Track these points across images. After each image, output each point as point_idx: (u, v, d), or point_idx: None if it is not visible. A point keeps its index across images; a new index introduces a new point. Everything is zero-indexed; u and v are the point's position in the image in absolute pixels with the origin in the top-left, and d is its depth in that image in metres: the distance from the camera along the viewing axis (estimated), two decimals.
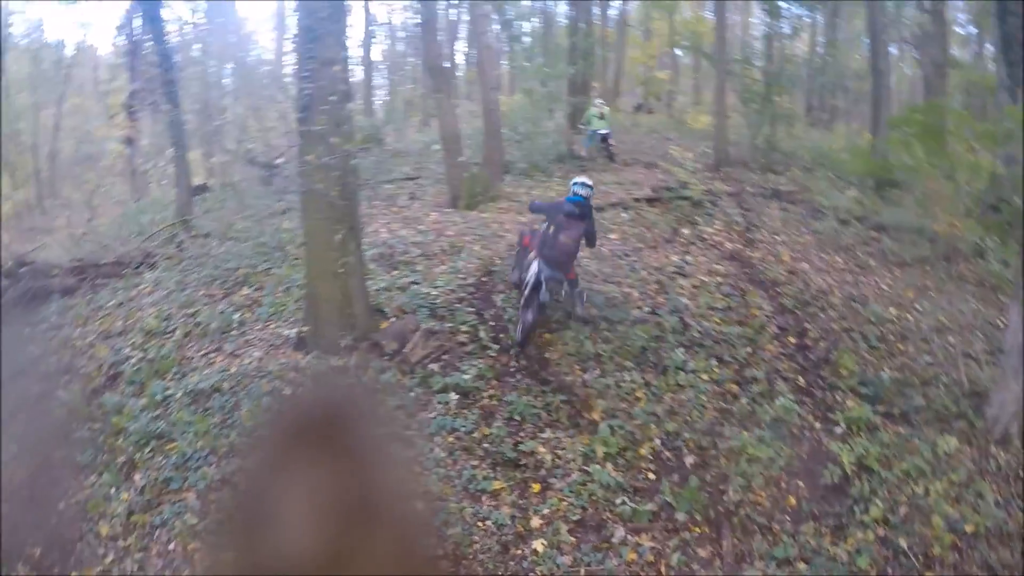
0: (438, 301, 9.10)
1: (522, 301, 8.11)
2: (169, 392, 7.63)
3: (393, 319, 8.63)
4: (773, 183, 14.97)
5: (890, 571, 5.68)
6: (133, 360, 8.52)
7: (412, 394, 7.37)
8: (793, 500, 6.34)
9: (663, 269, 10.25)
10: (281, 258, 11.16)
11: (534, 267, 8.00)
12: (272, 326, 8.93)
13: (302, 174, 8.11)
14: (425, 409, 7.20)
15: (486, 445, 6.71)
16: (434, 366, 7.75)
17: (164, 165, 20.16)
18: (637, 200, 13.22)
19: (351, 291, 8.06)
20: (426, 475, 6.14)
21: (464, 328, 8.50)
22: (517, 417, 7.08)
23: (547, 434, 6.88)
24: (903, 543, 5.81)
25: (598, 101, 18.25)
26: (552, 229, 8.07)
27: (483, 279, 10.01)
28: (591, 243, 8.58)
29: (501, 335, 8.40)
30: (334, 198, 7.76)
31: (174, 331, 9.08)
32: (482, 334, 8.36)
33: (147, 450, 6.93)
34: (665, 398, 7.37)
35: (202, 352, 8.60)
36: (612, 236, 11.50)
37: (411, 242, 11.35)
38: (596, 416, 7.08)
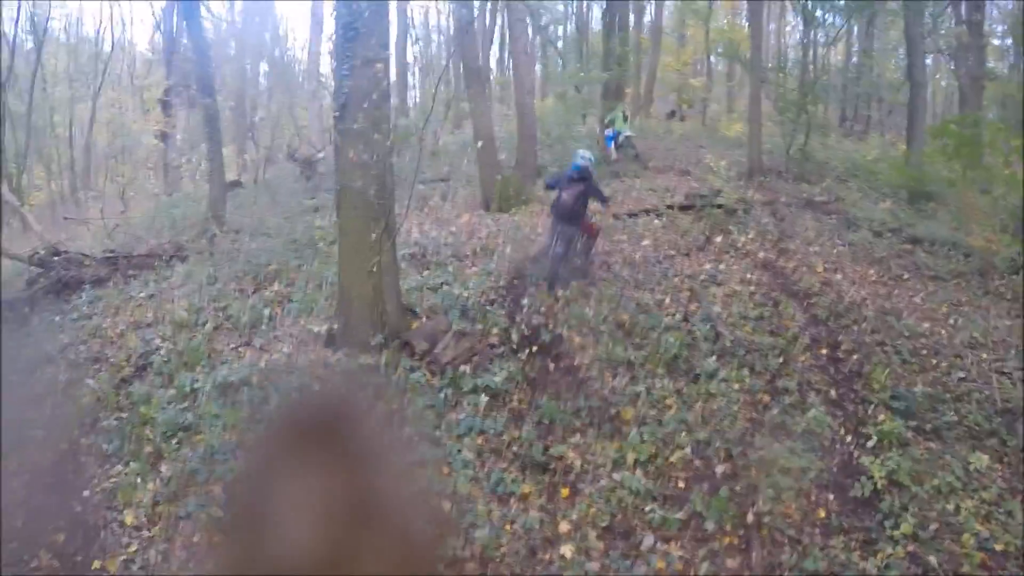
0: (469, 302, 9.07)
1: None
2: (198, 384, 7.59)
3: (424, 319, 8.61)
4: (807, 193, 14.85)
5: None
6: (162, 351, 8.51)
7: (442, 394, 7.30)
8: (823, 513, 6.16)
9: (696, 276, 10.15)
10: (312, 254, 11.16)
11: (550, 223, 9.84)
12: (302, 322, 8.91)
13: (339, 171, 8.09)
14: (454, 410, 7.16)
15: (515, 448, 6.64)
16: (464, 367, 7.69)
17: (197, 160, 20.35)
18: (670, 207, 13.11)
19: (383, 290, 8.01)
20: (454, 476, 6.14)
21: (495, 330, 8.46)
22: (547, 421, 7.00)
23: (576, 439, 6.79)
24: (933, 560, 5.63)
25: (621, 105, 18.48)
26: (559, 193, 9.65)
27: (515, 282, 9.99)
28: (601, 201, 10.29)
29: (532, 338, 8.33)
30: (370, 196, 7.72)
31: (204, 324, 9.07)
32: (513, 336, 8.29)
33: (174, 441, 6.91)
34: (696, 406, 7.24)
35: (232, 345, 8.60)
36: (645, 242, 11.44)
37: (443, 243, 11.34)
38: (626, 422, 6.98)
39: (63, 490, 6.68)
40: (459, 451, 6.46)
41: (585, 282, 9.71)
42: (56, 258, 12.09)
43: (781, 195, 14.39)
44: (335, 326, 8.26)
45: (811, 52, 20.04)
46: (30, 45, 26.50)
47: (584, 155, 10.00)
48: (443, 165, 16.74)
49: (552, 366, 7.97)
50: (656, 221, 12.51)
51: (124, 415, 7.45)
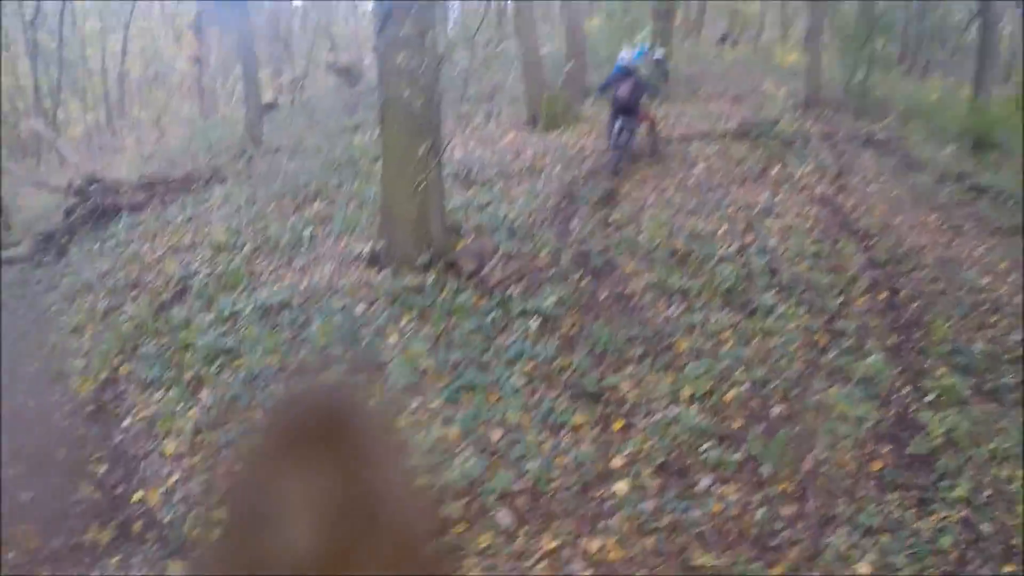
0: (517, 223, 8.71)
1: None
2: (238, 307, 7.31)
3: (470, 239, 8.27)
4: (866, 130, 13.91)
5: (971, 555, 5.24)
6: (201, 275, 8.25)
7: (489, 317, 6.96)
8: (879, 465, 5.70)
9: (751, 207, 9.63)
10: (353, 173, 10.82)
11: (611, 118, 10.81)
12: (344, 242, 8.59)
13: (383, 82, 7.67)
14: (503, 334, 6.77)
15: (566, 376, 6.25)
16: (513, 290, 7.35)
17: (232, 83, 20.08)
18: (724, 134, 12.57)
19: (429, 208, 7.66)
20: (503, 403, 5.81)
21: (544, 252, 8.11)
22: (599, 349, 6.60)
23: (630, 369, 6.38)
24: (985, 528, 5.26)
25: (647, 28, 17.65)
26: (615, 90, 10.57)
27: (563, 203, 9.58)
28: (652, 92, 11.45)
29: (583, 262, 8.00)
30: (416, 108, 7.32)
31: (243, 246, 8.79)
32: (563, 260, 7.96)
33: (215, 366, 6.63)
34: (753, 342, 6.80)
35: (271, 267, 8.30)
36: (698, 168, 10.98)
37: (488, 162, 10.96)
38: (681, 354, 6.59)
39: (103, 420, 6.52)
40: (508, 377, 6.12)
41: (653, 159, 11.18)
42: (93, 187, 11.92)
43: (839, 129, 13.54)
44: (378, 246, 7.93)
45: None
46: None
47: (623, 55, 11.10)
48: (486, 82, 16.21)
49: (604, 292, 7.59)
50: (709, 147, 11.96)
51: (164, 341, 7.20)
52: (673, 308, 7.34)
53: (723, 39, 25.41)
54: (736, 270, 7.89)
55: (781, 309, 7.36)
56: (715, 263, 8.01)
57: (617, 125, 10.60)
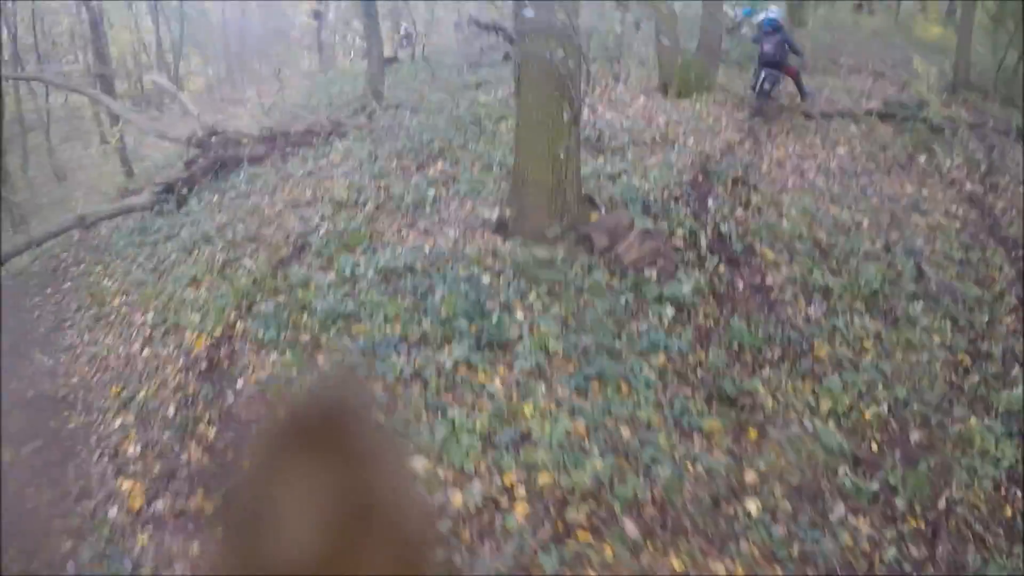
0: (651, 197, 8.18)
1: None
2: (358, 269, 7.01)
3: (603, 211, 7.76)
4: (1018, 122, 12.43)
5: None
6: (321, 231, 7.97)
7: (623, 300, 6.44)
8: (1008, 511, 5.07)
9: (897, 200, 8.99)
10: (477, 133, 10.42)
11: (757, 69, 11.71)
12: (469, 205, 8.20)
13: (522, 37, 7.23)
14: (636, 319, 6.29)
15: (701, 373, 5.80)
16: (650, 271, 6.83)
17: (352, 38, 20.05)
18: (868, 112, 11.85)
19: (565, 176, 7.19)
20: (634, 397, 5.39)
21: (680, 232, 7.60)
22: (736, 346, 6.14)
23: (766, 372, 5.92)
24: None
25: None
26: (761, 45, 11.53)
27: (699, 178, 9.01)
28: (796, 51, 11.76)
29: (721, 247, 7.49)
30: (558, 68, 6.87)
31: (365, 203, 8.47)
32: (702, 242, 7.42)
33: (333, 330, 6.30)
34: (896, 355, 6.27)
35: (394, 227, 7.97)
36: (840, 150, 10.35)
37: (618, 127, 10.42)
38: (820, 361, 6.11)
39: (217, 379, 6.23)
40: (641, 370, 5.64)
41: (807, 103, 12.05)
42: (214, 138, 11.87)
43: (988, 119, 12.38)
44: (507, 212, 7.52)
45: None
46: None
47: (773, 9, 12.29)
48: (612, 41, 15.43)
49: (741, 282, 7.08)
50: (852, 127, 11.26)
51: (281, 299, 6.87)
52: (814, 308, 6.81)
53: (859, 6, 23.91)
54: (881, 271, 7.31)
55: (925, 321, 6.78)
56: (859, 260, 7.47)
57: (762, 75, 11.48)
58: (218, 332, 6.74)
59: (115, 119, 17.12)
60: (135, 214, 10.92)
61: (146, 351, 7.01)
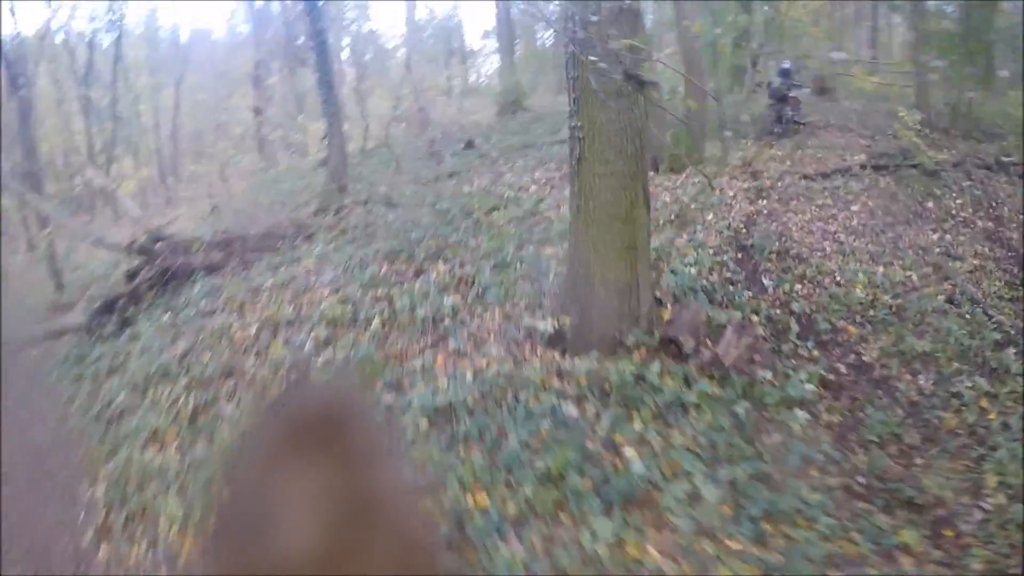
0: (703, 282, 6.68)
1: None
2: (391, 413, 4.78)
3: (668, 306, 5.96)
4: (993, 154, 11.46)
5: None
6: (321, 360, 5.77)
7: (740, 411, 4.87)
8: None
9: (928, 249, 8.19)
10: (471, 226, 8.49)
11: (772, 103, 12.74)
12: (498, 314, 6.17)
13: (583, 111, 5.37)
14: (764, 432, 4.82)
15: (861, 479, 4.54)
16: (762, 372, 5.36)
17: (291, 134, 17.97)
18: (863, 167, 10.63)
19: (638, 272, 5.38)
20: (815, 528, 3.92)
21: (756, 318, 6.28)
22: (875, 438, 5.03)
23: (919, 460, 4.84)
24: None
25: None
26: (771, 86, 13.03)
27: (739, 255, 7.58)
28: (798, 87, 13.05)
29: (809, 330, 6.28)
30: (626, 145, 5.12)
31: (369, 321, 6.30)
32: (793, 328, 6.23)
33: None
34: (1018, 412, 5.35)
35: (415, 349, 5.82)
36: (854, 207, 9.21)
37: None
38: (954, 433, 5.21)
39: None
40: (803, 491, 4.23)
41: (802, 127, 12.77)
42: (159, 245, 9.47)
43: (964, 156, 11.33)
44: (563, 320, 5.56)
45: None
46: (107, 43, 24.49)
47: (785, 63, 13.24)
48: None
49: (839, 364, 5.99)
50: (853, 184, 10.01)
51: None
52: (923, 379, 5.91)
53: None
54: (961, 324, 6.63)
55: (1016, 367, 6.01)
56: (936, 317, 6.73)
57: (773, 109, 12.91)
58: (210, 523, 4.24)
59: (44, 222, 14.26)
60: (66, 337, 8.50)
61: (103, 550, 4.62)
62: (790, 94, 12.83)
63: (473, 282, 6.81)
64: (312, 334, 6.22)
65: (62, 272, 14.67)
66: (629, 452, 4.38)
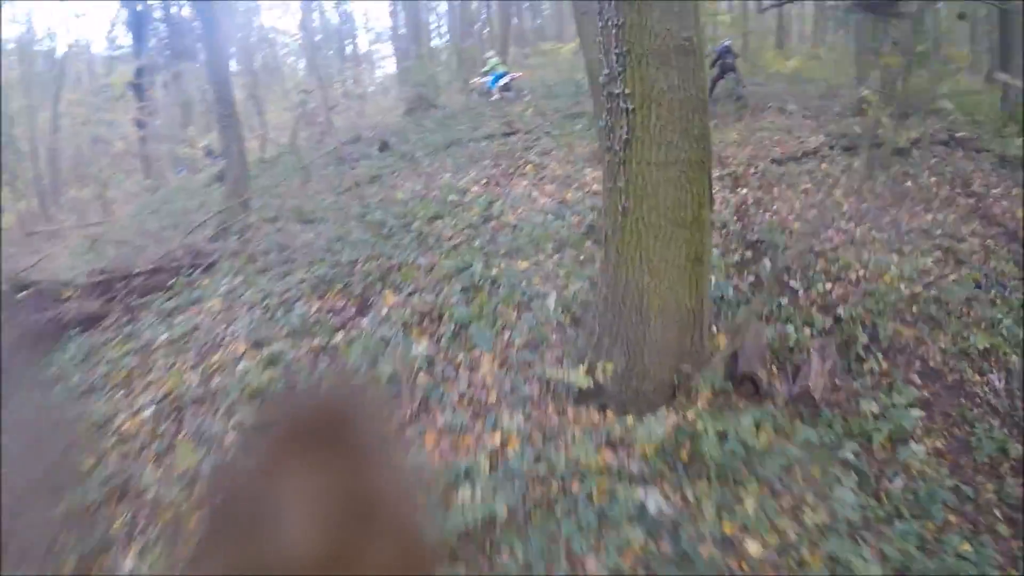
0: (731, 291, 5.32)
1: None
2: None
3: (720, 331, 4.27)
4: (947, 130, 10.72)
5: None
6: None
7: (848, 456, 3.82)
8: None
9: (930, 231, 7.24)
10: (415, 240, 6.59)
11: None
12: (493, 360, 4.31)
13: (641, 107, 3.62)
14: (886, 479, 3.81)
15: (998, 512, 3.72)
16: (866, 403, 4.24)
17: (181, 147, 15.48)
18: (831, 148, 9.73)
19: (701, 294, 3.72)
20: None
21: (808, 330, 5.02)
22: (985, 459, 4.21)
23: None
24: None
25: (491, 52, 18.13)
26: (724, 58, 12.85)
27: (747, 252, 6.37)
28: (733, 57, 12.99)
29: (872, 341, 5.11)
30: (693, 121, 3.50)
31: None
32: (860, 337, 5.03)
33: None
34: None
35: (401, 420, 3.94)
36: (837, 192, 8.25)
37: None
38: None
39: None
40: (955, 544, 3.35)
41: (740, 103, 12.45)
42: (22, 295, 7.08)
43: (917, 134, 10.38)
44: (602, 367, 3.75)
45: None
46: None
47: (725, 40, 13.64)
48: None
49: (909, 372, 4.95)
50: (825, 166, 9.06)
51: None
52: (994, 378, 5.00)
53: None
54: (1004, 314, 5.69)
55: None
56: (978, 305, 5.75)
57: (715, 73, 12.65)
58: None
59: None
60: None
61: None
62: (733, 63, 12.88)
63: (441, 316, 4.91)
64: (233, 420, 4.18)
65: None
66: (754, 549, 2.76)
